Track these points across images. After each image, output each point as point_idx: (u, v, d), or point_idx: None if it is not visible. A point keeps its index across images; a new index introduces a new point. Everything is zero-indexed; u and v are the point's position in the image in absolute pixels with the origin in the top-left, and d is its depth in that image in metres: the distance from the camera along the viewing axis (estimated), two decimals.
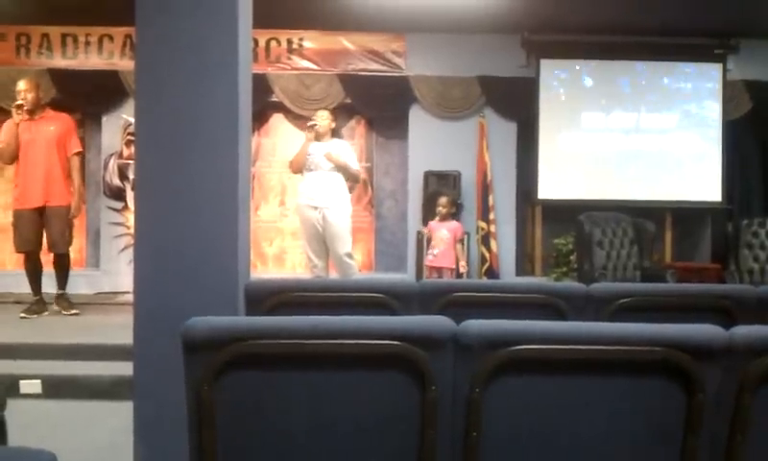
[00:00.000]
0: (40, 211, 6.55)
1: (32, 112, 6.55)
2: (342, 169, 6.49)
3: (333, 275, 6.75)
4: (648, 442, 1.79)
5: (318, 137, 6.54)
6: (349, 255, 6.57)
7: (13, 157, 6.65)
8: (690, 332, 1.75)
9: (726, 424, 1.79)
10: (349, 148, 6.84)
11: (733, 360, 1.76)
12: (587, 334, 1.76)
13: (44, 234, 6.65)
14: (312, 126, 6.55)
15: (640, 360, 1.75)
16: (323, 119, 6.63)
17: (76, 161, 6.74)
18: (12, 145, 6.54)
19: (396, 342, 1.71)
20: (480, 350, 1.71)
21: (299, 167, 6.64)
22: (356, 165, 6.73)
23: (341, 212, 6.54)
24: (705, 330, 1.75)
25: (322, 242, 6.54)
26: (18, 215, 6.64)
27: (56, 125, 6.66)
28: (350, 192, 6.73)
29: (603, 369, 1.76)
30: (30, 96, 6.55)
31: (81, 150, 6.86)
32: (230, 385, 1.70)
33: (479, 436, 1.74)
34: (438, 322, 1.75)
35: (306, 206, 6.56)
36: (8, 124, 6.65)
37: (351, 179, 6.66)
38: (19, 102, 6.48)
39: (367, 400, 1.75)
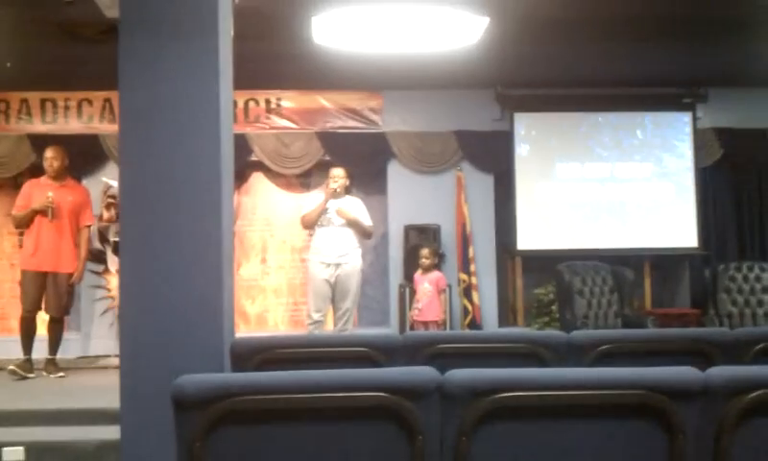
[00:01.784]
0: (44, 275, 6.64)
1: (55, 178, 6.69)
2: (353, 224, 6.57)
3: (328, 329, 6.82)
4: None
5: (335, 196, 6.62)
6: (352, 312, 6.66)
7: (23, 227, 6.83)
8: (668, 375, 1.80)
9: None
10: (362, 204, 6.90)
11: (711, 400, 1.81)
12: (568, 380, 1.81)
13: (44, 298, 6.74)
14: (334, 190, 6.60)
15: (621, 403, 1.80)
16: (341, 178, 6.70)
17: (86, 233, 6.93)
18: (27, 218, 6.68)
19: (382, 393, 1.74)
20: (465, 398, 1.75)
21: (311, 224, 6.69)
22: (368, 221, 6.79)
23: (353, 268, 6.61)
24: (681, 372, 1.81)
25: (328, 299, 6.60)
26: (26, 275, 6.74)
27: (73, 195, 6.85)
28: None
29: (585, 413, 1.81)
30: (56, 164, 6.76)
31: (92, 223, 7.05)
32: (221, 441, 1.73)
33: None
34: (423, 372, 1.79)
35: (318, 262, 6.61)
36: (27, 187, 6.84)
37: (363, 234, 6.73)
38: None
39: (355, 451, 1.78)
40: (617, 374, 1.80)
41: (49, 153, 6.82)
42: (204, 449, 1.70)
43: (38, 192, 6.71)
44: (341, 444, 1.77)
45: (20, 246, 6.97)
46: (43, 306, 6.79)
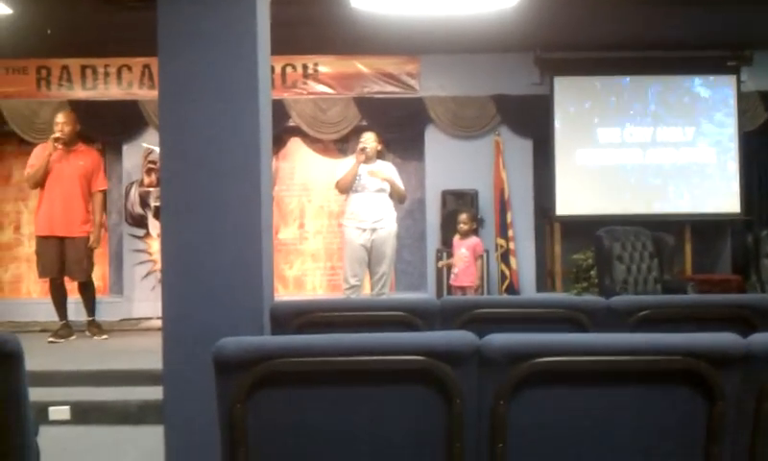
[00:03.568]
0: (61, 240, 6.73)
1: (66, 144, 6.76)
2: (390, 185, 6.60)
3: (365, 294, 6.87)
4: (672, 450, 1.83)
5: (367, 159, 6.65)
6: (389, 276, 6.71)
7: (39, 184, 6.85)
8: (709, 341, 1.79)
9: (747, 431, 1.82)
10: (394, 169, 6.94)
11: (752, 368, 1.79)
12: (607, 345, 1.80)
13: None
14: (363, 149, 6.64)
15: (661, 370, 1.79)
16: (371, 141, 6.73)
17: (99, 197, 6.96)
18: (40, 172, 6.73)
19: (421, 357, 1.75)
20: (503, 363, 1.76)
21: (346, 188, 6.73)
22: (401, 184, 6.84)
23: (389, 232, 6.66)
24: (723, 339, 1.79)
25: (364, 264, 6.65)
26: (40, 242, 6.85)
27: (84, 160, 6.91)
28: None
29: (624, 379, 1.80)
30: (67, 129, 6.82)
31: (105, 188, 7.12)
32: (261, 403, 1.75)
33: (504, 447, 1.78)
34: (462, 337, 1.80)
35: (354, 227, 6.66)
36: (40, 149, 6.88)
37: (398, 196, 6.76)
38: (56, 135, 6.67)
39: (393, 414, 1.80)
40: (657, 339, 1.79)
41: (60, 117, 6.87)
42: (245, 411, 1.73)
43: (47, 150, 6.76)
44: (379, 406, 1.79)
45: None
46: (66, 272, 6.87)
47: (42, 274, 6.94)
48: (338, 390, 1.79)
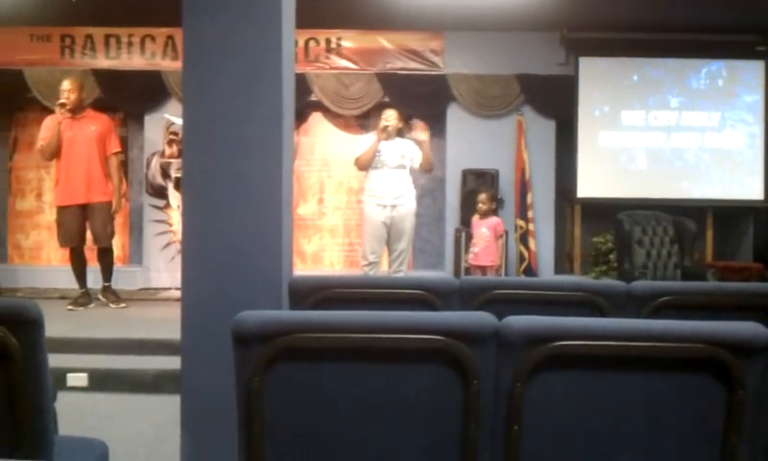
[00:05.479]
0: (83, 208, 6.76)
1: (74, 112, 6.76)
2: (424, 158, 6.63)
3: (383, 271, 6.88)
4: (689, 438, 1.81)
5: (387, 137, 6.65)
6: (407, 254, 6.71)
7: (54, 154, 6.86)
8: (732, 330, 1.76)
9: (766, 422, 1.80)
10: (414, 146, 6.92)
11: None
12: (627, 331, 1.78)
13: (88, 230, 6.87)
14: (385, 127, 6.63)
15: (681, 357, 1.77)
16: (393, 118, 6.72)
17: (114, 161, 6.94)
18: (53, 142, 6.74)
19: (439, 337, 1.74)
20: (522, 345, 1.75)
21: (365, 165, 6.72)
22: (425, 154, 6.85)
23: (408, 210, 6.66)
24: (747, 328, 1.77)
25: (383, 240, 6.66)
26: (61, 212, 6.87)
27: (96, 125, 6.88)
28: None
29: (643, 365, 1.78)
30: (73, 96, 6.76)
31: (119, 150, 7.10)
32: (279, 377, 1.75)
33: (520, 429, 1.77)
34: (481, 318, 1.79)
35: (374, 204, 6.66)
36: (49, 120, 6.87)
37: (427, 163, 6.73)
38: (62, 101, 6.68)
39: (410, 392, 1.79)
40: (678, 326, 1.77)
41: (65, 84, 6.83)
42: (262, 385, 1.73)
43: (55, 120, 6.76)
44: (396, 384, 1.79)
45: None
46: (92, 239, 6.92)
47: (63, 243, 6.98)
48: (356, 367, 1.79)
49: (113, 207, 6.88)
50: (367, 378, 1.79)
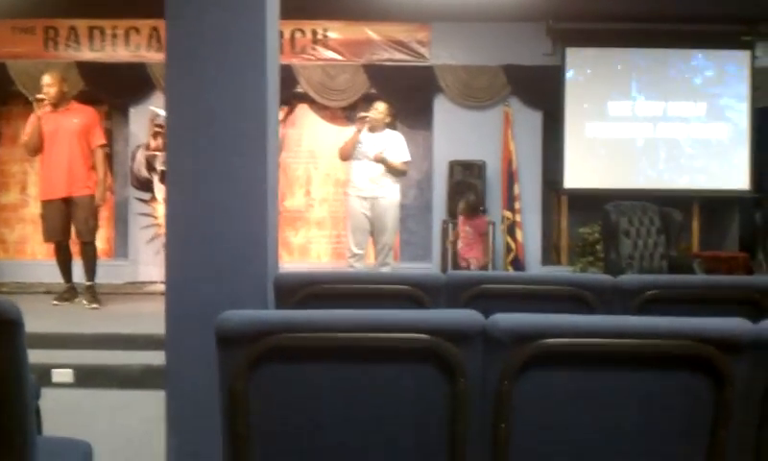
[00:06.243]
0: (66, 201, 6.68)
1: (55, 105, 6.68)
2: (387, 166, 6.60)
3: (369, 263, 6.87)
4: (676, 435, 1.80)
5: (371, 129, 6.61)
6: (391, 246, 6.69)
7: (36, 150, 6.79)
8: (719, 326, 1.75)
9: (755, 418, 1.80)
10: (402, 139, 6.90)
11: (762, 354, 1.76)
12: (615, 327, 1.78)
13: (71, 224, 6.80)
14: (363, 118, 6.61)
15: (669, 354, 1.76)
16: (377, 112, 6.70)
17: (100, 153, 6.85)
18: (34, 137, 6.67)
19: (426, 336, 1.73)
20: (509, 343, 1.73)
21: (346, 155, 6.72)
22: (405, 156, 6.82)
23: (390, 202, 6.63)
24: (734, 324, 1.76)
25: (366, 232, 6.65)
26: (45, 206, 6.81)
27: (79, 117, 6.78)
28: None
29: (631, 362, 1.77)
30: (52, 90, 6.68)
31: (104, 142, 6.99)
32: (263, 378, 1.73)
33: (508, 428, 1.76)
34: (467, 316, 1.77)
35: (355, 196, 6.64)
36: (33, 117, 6.79)
37: (396, 174, 6.73)
38: (40, 96, 6.61)
39: (397, 392, 1.78)
40: (664, 323, 1.76)
41: (45, 79, 6.75)
42: (246, 385, 1.71)
43: (43, 119, 6.70)
44: (382, 384, 1.77)
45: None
46: (74, 233, 6.85)
47: (47, 238, 6.90)
48: (341, 366, 1.77)
49: (97, 200, 6.79)
50: (353, 378, 1.77)
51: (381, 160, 6.60)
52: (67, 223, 6.77)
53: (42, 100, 6.59)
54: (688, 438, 1.80)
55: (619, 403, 1.79)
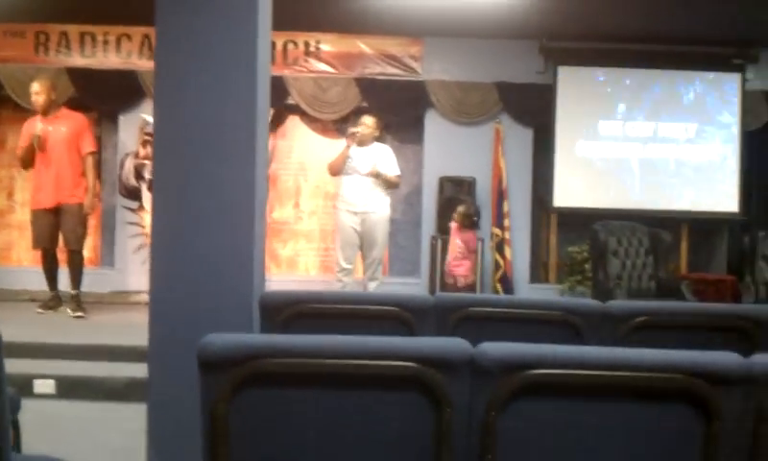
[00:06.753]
0: (55, 210, 6.64)
1: (45, 113, 6.64)
2: (378, 178, 6.60)
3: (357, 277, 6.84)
4: None
5: (360, 143, 6.60)
6: (381, 261, 6.67)
7: (27, 165, 6.82)
8: (710, 360, 1.73)
9: (744, 453, 1.77)
10: (391, 153, 6.89)
11: (753, 389, 1.74)
12: (604, 359, 1.75)
13: (59, 232, 6.75)
14: (353, 134, 6.59)
15: (658, 386, 1.73)
16: (366, 127, 6.69)
17: (89, 161, 6.80)
18: (28, 153, 6.70)
19: (412, 364, 1.70)
20: (497, 373, 1.70)
21: (336, 170, 6.70)
22: (396, 170, 6.84)
23: (380, 217, 6.61)
24: (724, 358, 1.74)
25: (355, 247, 6.62)
26: (34, 214, 6.77)
27: (68, 125, 6.74)
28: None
29: (620, 394, 1.75)
30: (41, 99, 6.66)
31: (94, 150, 6.93)
32: (246, 403, 1.70)
33: (494, 459, 1.73)
34: (455, 344, 1.74)
35: (345, 211, 6.61)
36: (26, 126, 6.79)
37: (388, 186, 6.73)
38: (39, 131, 6.61)
39: (382, 420, 1.75)
40: (656, 356, 1.74)
41: (34, 87, 6.74)
42: (228, 410, 1.67)
43: (33, 129, 6.67)
44: (367, 411, 1.74)
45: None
46: (62, 241, 6.80)
47: (35, 244, 6.86)
48: (326, 392, 1.73)
49: (86, 209, 6.74)
50: (336, 404, 1.74)
51: (376, 175, 6.58)
52: (56, 231, 6.73)
53: (38, 139, 6.59)
54: None
55: (607, 435, 1.77)
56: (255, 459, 1.73)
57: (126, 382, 5.10)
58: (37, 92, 6.65)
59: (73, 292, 6.82)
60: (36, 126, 6.65)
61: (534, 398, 1.72)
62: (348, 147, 6.58)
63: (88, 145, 6.84)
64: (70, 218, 6.66)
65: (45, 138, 6.60)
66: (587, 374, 1.71)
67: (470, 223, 7.35)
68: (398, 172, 6.90)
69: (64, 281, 6.92)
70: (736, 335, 2.64)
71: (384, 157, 6.74)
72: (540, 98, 8.21)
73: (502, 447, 1.72)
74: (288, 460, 1.75)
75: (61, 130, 6.68)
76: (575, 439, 1.75)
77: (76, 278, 6.82)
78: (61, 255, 6.92)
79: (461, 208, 7.33)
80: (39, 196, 6.69)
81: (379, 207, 6.65)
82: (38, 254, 6.97)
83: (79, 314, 6.75)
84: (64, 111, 6.91)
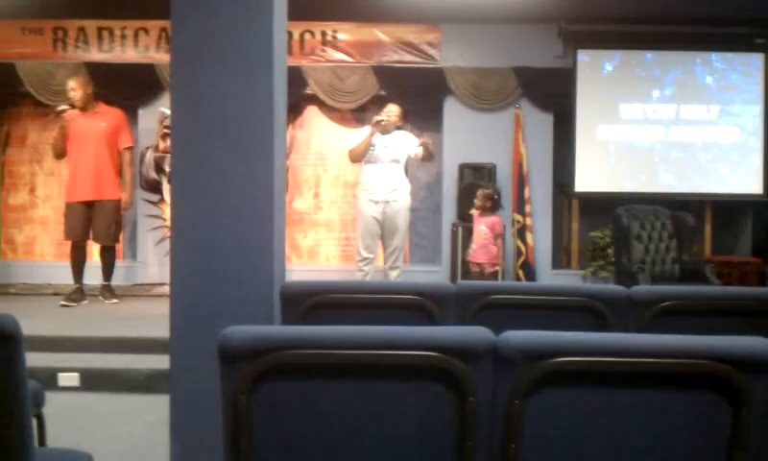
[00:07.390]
0: (90, 204, 6.74)
1: (83, 108, 6.76)
2: (427, 153, 6.67)
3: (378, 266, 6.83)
4: (692, 456, 1.75)
5: (383, 131, 6.59)
6: (402, 249, 6.66)
7: (60, 155, 6.93)
8: (738, 345, 1.69)
9: None
10: (411, 138, 6.89)
11: None
12: (629, 346, 1.72)
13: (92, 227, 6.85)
14: (379, 121, 6.57)
15: (685, 373, 1.70)
16: (392, 115, 6.67)
17: (127, 156, 6.98)
18: (57, 145, 6.78)
19: (434, 353, 1.68)
20: (520, 361, 1.68)
21: (358, 158, 6.67)
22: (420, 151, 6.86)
23: (401, 205, 6.60)
24: (752, 343, 1.70)
25: (377, 236, 6.61)
26: (69, 207, 6.88)
27: (106, 120, 6.88)
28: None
29: (645, 381, 1.72)
30: (77, 94, 6.80)
31: (131, 145, 7.09)
32: (267, 395, 1.69)
33: (518, 448, 1.71)
34: (477, 333, 1.72)
35: (366, 199, 6.59)
36: (59, 122, 6.88)
37: (430, 159, 6.82)
38: (62, 107, 6.66)
39: (404, 410, 1.73)
40: (683, 342, 1.70)
41: (71, 83, 6.87)
42: (249, 402, 1.66)
43: (71, 122, 6.74)
44: (389, 402, 1.72)
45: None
46: (92, 236, 6.88)
47: (67, 236, 6.95)
48: (347, 383, 1.72)
49: (124, 203, 6.90)
50: (358, 395, 1.72)
51: (424, 145, 6.61)
52: (89, 224, 6.85)
53: (64, 111, 6.65)
54: (704, 459, 1.75)
55: (633, 423, 1.74)
56: (277, 450, 1.72)
57: (148, 374, 5.12)
58: (74, 88, 6.80)
59: (105, 283, 7.04)
60: (72, 116, 6.75)
61: (558, 386, 1.69)
62: (372, 134, 6.55)
63: (126, 140, 6.99)
64: (104, 214, 6.80)
65: (69, 120, 6.69)
66: (612, 361, 1.68)
67: (493, 204, 7.20)
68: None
69: (89, 276, 7.02)
70: (762, 318, 2.60)
71: (409, 143, 6.73)
72: (559, 82, 8.14)
73: (526, 436, 1.70)
74: (310, 451, 1.73)
75: (100, 125, 6.80)
76: (600, 428, 1.72)
77: (108, 271, 7.00)
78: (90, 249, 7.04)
79: (481, 192, 7.23)
80: (75, 189, 6.78)
81: (400, 196, 6.62)
82: (61, 247, 7.08)
83: (114, 301, 6.99)
84: (102, 107, 7.03)
